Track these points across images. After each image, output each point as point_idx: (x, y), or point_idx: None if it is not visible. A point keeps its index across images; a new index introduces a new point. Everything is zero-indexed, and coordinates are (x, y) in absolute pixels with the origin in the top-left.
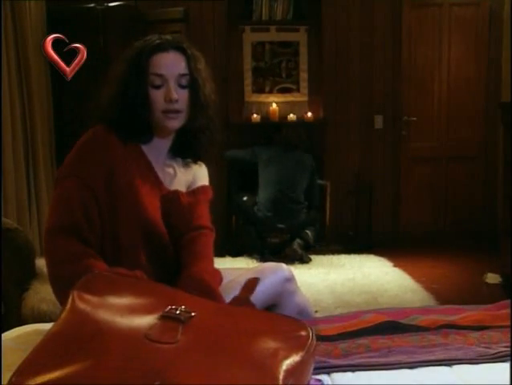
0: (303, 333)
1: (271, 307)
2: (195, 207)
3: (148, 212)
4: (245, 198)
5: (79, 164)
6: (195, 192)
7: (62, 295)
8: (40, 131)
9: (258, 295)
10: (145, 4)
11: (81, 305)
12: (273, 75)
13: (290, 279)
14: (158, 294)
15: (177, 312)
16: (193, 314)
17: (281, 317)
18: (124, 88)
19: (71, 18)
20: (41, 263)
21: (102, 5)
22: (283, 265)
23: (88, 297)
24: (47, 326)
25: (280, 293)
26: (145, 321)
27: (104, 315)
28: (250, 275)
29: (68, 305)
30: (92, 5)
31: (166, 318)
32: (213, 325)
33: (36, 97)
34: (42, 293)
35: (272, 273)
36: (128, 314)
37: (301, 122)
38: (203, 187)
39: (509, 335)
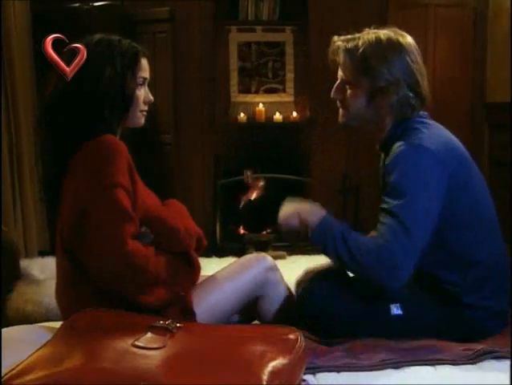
0: (291, 336)
1: (257, 300)
2: None
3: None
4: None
5: (119, 173)
6: None
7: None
8: (25, 131)
9: (243, 285)
10: (131, 4)
11: (73, 327)
12: (259, 76)
13: (274, 269)
14: (144, 319)
15: (166, 323)
16: (179, 324)
17: (270, 325)
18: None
19: (56, 18)
20: (25, 264)
21: (88, 4)
22: (266, 255)
23: (80, 324)
24: (32, 327)
25: (264, 283)
26: (133, 335)
27: (94, 333)
28: (233, 267)
29: (60, 327)
30: (78, 4)
31: (154, 328)
32: (202, 334)
33: (21, 97)
34: (26, 295)
35: (255, 262)
36: (116, 332)
37: (287, 122)
38: None
39: (509, 337)
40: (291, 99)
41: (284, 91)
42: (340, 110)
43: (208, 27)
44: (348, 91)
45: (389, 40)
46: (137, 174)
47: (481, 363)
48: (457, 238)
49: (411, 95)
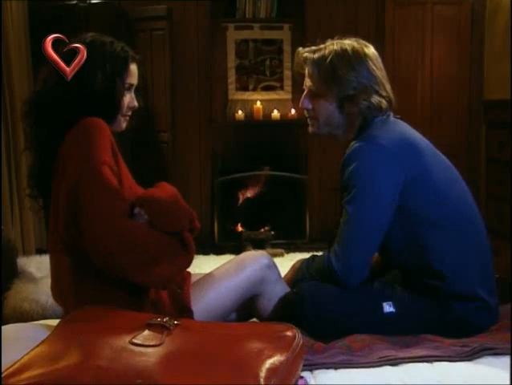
0: (289, 333)
1: (255, 298)
2: None
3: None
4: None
5: (104, 152)
6: None
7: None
8: (22, 129)
9: (241, 283)
10: (129, 1)
11: (70, 325)
12: (257, 73)
13: (271, 267)
14: (141, 316)
15: (163, 320)
16: (176, 322)
17: (267, 323)
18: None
19: (53, 16)
20: (23, 262)
21: (85, 2)
22: (264, 253)
23: (77, 322)
24: (29, 325)
25: (262, 281)
26: (130, 332)
27: (91, 331)
28: (231, 265)
29: (57, 326)
30: (75, 2)
31: (152, 325)
32: (199, 331)
33: (18, 96)
34: (23, 293)
35: (253, 260)
36: (114, 329)
37: (285, 120)
38: None
39: (505, 333)
40: (289, 96)
41: (282, 88)
42: (309, 120)
43: (205, 25)
44: (318, 101)
45: (354, 50)
46: (121, 158)
47: (478, 360)
48: (424, 234)
49: (379, 99)
